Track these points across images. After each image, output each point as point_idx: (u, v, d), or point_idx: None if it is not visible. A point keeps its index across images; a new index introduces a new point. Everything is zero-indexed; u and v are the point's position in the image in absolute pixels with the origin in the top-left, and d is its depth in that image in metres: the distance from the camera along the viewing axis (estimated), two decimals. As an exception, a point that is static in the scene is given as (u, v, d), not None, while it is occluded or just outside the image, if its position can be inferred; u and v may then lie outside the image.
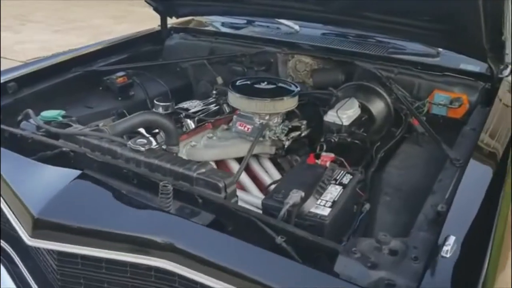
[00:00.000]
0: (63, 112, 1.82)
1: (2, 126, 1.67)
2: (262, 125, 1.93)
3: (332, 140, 1.89)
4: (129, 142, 1.52)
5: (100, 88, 2.36)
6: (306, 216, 1.34)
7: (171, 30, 2.82)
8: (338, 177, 1.51)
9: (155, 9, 2.67)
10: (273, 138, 1.96)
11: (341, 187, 1.46)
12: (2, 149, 1.48)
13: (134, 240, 1.18)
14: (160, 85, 2.51)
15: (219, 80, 2.54)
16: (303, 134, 2.06)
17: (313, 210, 1.35)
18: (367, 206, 1.52)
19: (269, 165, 2.05)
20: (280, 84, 2.08)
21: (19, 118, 1.78)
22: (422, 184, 1.52)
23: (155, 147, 1.79)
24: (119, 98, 2.36)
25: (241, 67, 2.52)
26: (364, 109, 2.03)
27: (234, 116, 2.01)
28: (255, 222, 1.24)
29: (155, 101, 2.04)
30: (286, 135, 2.00)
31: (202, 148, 1.98)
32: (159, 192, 1.31)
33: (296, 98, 2.02)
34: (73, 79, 2.26)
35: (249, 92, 1.97)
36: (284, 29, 2.70)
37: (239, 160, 1.98)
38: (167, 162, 1.45)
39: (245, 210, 1.30)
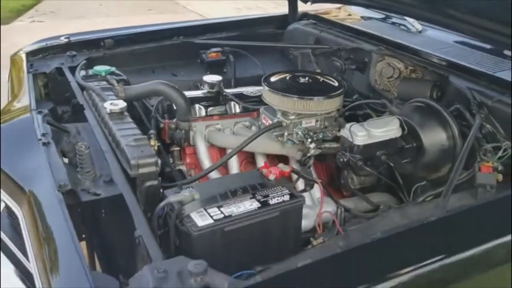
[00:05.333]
0: (112, 69, 2.04)
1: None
2: (277, 122, 1.75)
3: (341, 159, 1.58)
4: (106, 103, 1.63)
5: (198, 60, 2.51)
6: (183, 219, 1.20)
7: (304, 16, 2.75)
8: (272, 194, 1.28)
9: (282, -9, 2.65)
10: (293, 140, 1.75)
11: (259, 205, 1.24)
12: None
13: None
14: (258, 68, 2.52)
15: (317, 73, 2.39)
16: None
17: (193, 215, 1.20)
18: None
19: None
20: (325, 82, 1.83)
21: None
22: None
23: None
24: (207, 73, 2.46)
25: (339, 62, 2.29)
26: (414, 135, 1.61)
27: (261, 108, 1.87)
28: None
29: (203, 77, 2.06)
30: (316, 142, 1.75)
31: (227, 133, 1.93)
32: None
33: (336, 100, 1.75)
34: (170, 46, 2.48)
35: (281, 86, 1.80)
36: (410, 28, 2.32)
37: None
38: (115, 125, 1.51)
39: (129, 194, 1.26)
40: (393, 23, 2.45)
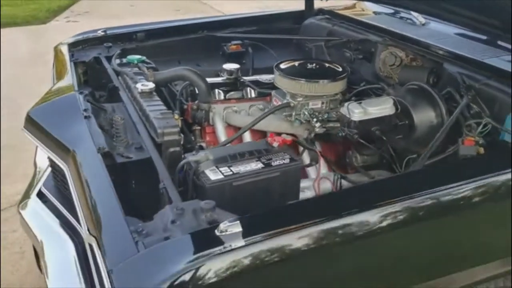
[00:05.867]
0: (143, 58, 2.32)
1: None
2: (285, 103, 1.99)
3: (340, 134, 1.82)
4: (138, 84, 1.91)
5: (220, 52, 2.78)
6: (199, 175, 1.46)
7: (320, 12, 2.99)
8: (274, 158, 1.53)
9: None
10: (300, 120, 1.99)
11: (263, 166, 1.49)
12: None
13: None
14: (275, 59, 2.76)
15: (329, 64, 2.62)
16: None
17: (207, 171, 1.45)
18: None
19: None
20: (330, 68, 2.06)
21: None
22: None
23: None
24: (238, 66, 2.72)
25: (349, 53, 2.52)
26: (406, 113, 1.82)
27: (273, 92, 2.11)
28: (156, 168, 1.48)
29: (223, 65, 2.33)
30: (321, 121, 1.98)
31: (243, 114, 2.18)
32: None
33: (339, 84, 1.98)
34: (195, 39, 2.75)
35: (292, 71, 2.04)
36: (415, 21, 2.53)
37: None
38: (145, 102, 1.78)
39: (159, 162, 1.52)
40: (401, 17, 2.66)
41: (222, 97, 2.24)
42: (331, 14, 2.87)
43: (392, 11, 2.79)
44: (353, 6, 3.11)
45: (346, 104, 1.81)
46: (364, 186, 1.34)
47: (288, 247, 1.10)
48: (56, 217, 1.75)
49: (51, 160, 1.81)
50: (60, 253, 1.55)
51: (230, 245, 1.06)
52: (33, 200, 1.85)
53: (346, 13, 2.87)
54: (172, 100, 2.27)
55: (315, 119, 1.97)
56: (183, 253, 1.06)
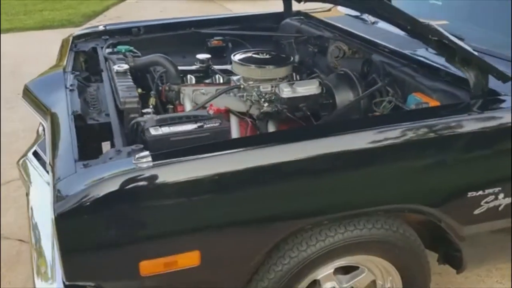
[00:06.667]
0: (130, 48, 2.78)
1: None
2: (235, 85, 2.40)
3: (274, 109, 2.21)
4: (115, 65, 2.36)
5: (204, 47, 3.21)
6: (144, 131, 1.88)
7: (298, 13, 3.39)
8: (207, 122, 1.93)
9: (277, -8, 3.31)
10: (251, 100, 2.39)
11: (196, 127, 1.90)
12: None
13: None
14: (251, 53, 3.18)
15: (296, 58, 3.01)
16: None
17: (150, 128, 1.87)
18: None
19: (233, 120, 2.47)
20: (278, 57, 2.46)
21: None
22: None
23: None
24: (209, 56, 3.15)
25: (311, 48, 2.90)
26: (330, 94, 2.20)
27: (232, 77, 2.53)
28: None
29: (197, 55, 2.76)
30: (268, 102, 2.38)
31: (206, 95, 2.60)
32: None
33: (282, 69, 2.37)
34: (183, 35, 3.20)
35: (245, 59, 2.45)
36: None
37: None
38: (118, 79, 2.23)
39: (116, 122, 1.96)
40: (361, 19, 3.02)
41: (193, 82, 2.67)
42: (304, 16, 3.26)
43: (358, 13, 3.16)
44: (329, 9, 3.48)
45: (280, 84, 2.21)
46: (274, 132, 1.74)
47: (193, 174, 1.52)
48: (45, 170, 2.22)
49: (43, 126, 2.29)
50: (41, 192, 2.01)
51: (140, 166, 1.48)
52: (29, 157, 2.34)
53: (320, 15, 3.26)
54: (153, 83, 2.72)
55: (263, 100, 2.38)
56: (106, 172, 1.49)
